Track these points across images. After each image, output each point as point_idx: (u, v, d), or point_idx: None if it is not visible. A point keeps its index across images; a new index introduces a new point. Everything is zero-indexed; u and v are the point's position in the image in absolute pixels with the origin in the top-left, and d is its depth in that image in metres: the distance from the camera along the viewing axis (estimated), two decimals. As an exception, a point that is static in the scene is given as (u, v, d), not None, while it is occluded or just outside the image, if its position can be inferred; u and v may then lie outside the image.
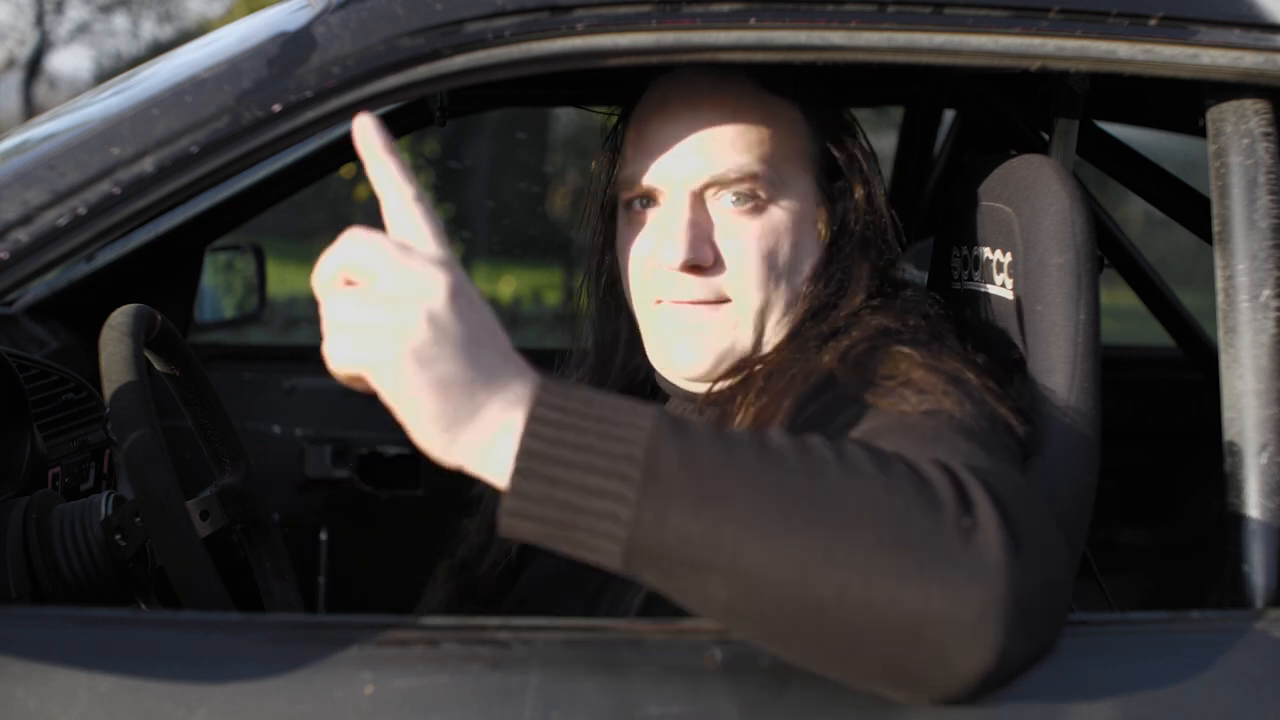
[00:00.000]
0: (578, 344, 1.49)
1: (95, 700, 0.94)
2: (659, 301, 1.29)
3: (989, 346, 1.30)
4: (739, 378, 1.26)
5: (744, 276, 1.25)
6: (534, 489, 0.84)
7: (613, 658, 0.97)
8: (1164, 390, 2.55)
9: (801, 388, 1.17)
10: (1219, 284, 1.19)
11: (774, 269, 1.26)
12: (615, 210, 1.38)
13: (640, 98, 1.34)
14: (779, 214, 1.26)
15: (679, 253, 1.24)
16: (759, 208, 1.26)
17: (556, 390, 0.86)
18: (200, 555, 1.21)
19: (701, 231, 1.25)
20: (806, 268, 1.29)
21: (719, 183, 1.25)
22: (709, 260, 1.25)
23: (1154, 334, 2.41)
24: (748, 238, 1.25)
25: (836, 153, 1.32)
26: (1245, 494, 1.13)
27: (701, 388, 1.30)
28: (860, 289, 1.27)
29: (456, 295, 0.85)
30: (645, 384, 1.47)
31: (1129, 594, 2.53)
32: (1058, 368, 1.21)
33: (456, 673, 0.94)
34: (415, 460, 2.51)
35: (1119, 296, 2.66)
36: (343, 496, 2.50)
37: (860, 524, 0.84)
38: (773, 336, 1.28)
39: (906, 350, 1.15)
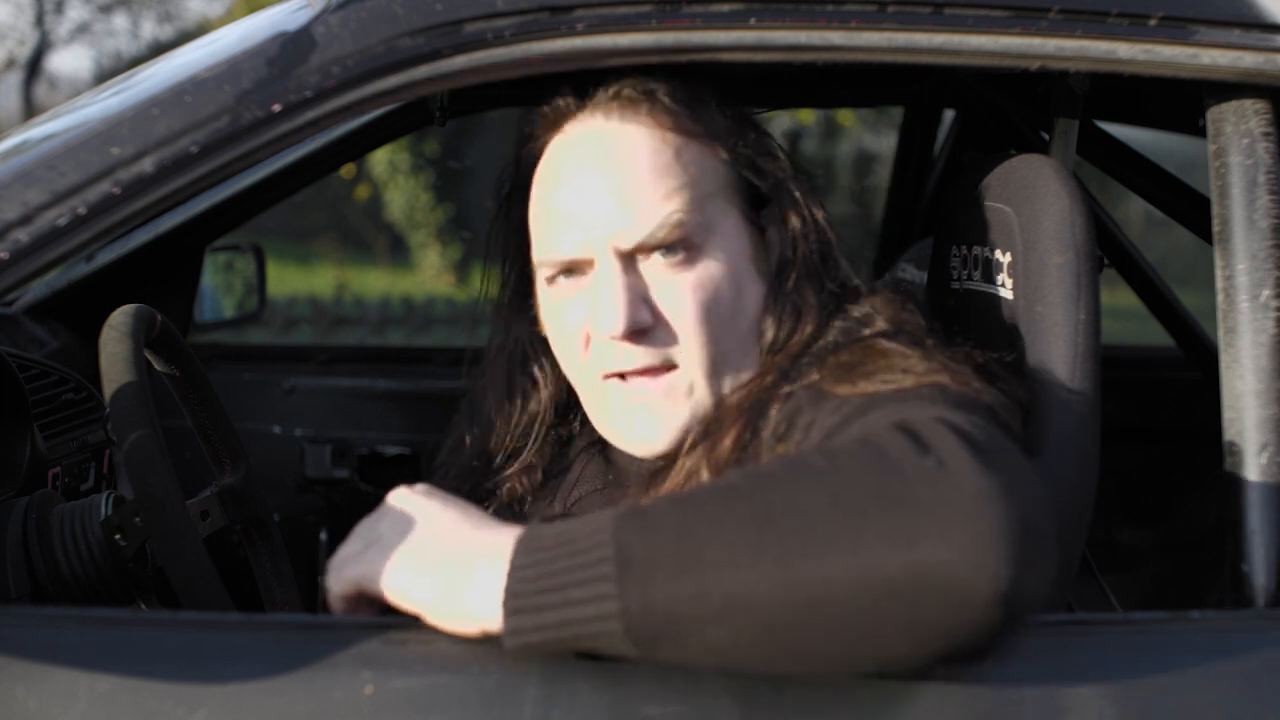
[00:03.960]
0: (468, 425, 1.41)
1: (95, 700, 0.94)
2: (606, 377, 1.21)
3: (989, 346, 1.30)
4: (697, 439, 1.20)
5: (688, 335, 1.18)
6: (525, 622, 0.90)
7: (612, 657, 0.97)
8: (1164, 390, 2.55)
9: (787, 401, 1.13)
10: (1219, 284, 1.19)
11: (717, 319, 1.18)
12: (522, 285, 1.32)
13: (535, 163, 1.26)
14: (715, 258, 1.19)
15: (619, 321, 1.15)
16: (691, 258, 1.18)
17: (526, 537, 0.93)
18: (200, 555, 1.21)
19: (637, 294, 1.17)
20: (752, 309, 1.21)
21: (649, 243, 1.17)
22: (649, 322, 1.17)
23: (1154, 334, 2.41)
24: (685, 291, 1.17)
25: (757, 181, 1.24)
26: (1245, 494, 1.13)
27: (660, 461, 1.23)
28: (811, 318, 1.21)
29: (384, 517, 1.00)
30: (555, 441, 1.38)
31: (1129, 594, 2.53)
32: (1058, 368, 1.21)
33: (456, 673, 0.94)
34: (415, 460, 2.51)
35: (1119, 296, 2.66)
36: (343, 496, 2.50)
37: (823, 514, 0.85)
38: (731, 388, 1.20)
39: (897, 346, 1.13)
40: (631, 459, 1.28)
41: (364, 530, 1.02)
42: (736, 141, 1.24)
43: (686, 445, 1.19)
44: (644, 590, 0.87)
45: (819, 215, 1.25)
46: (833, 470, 0.88)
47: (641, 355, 1.18)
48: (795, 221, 1.24)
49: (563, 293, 1.22)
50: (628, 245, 1.18)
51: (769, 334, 1.21)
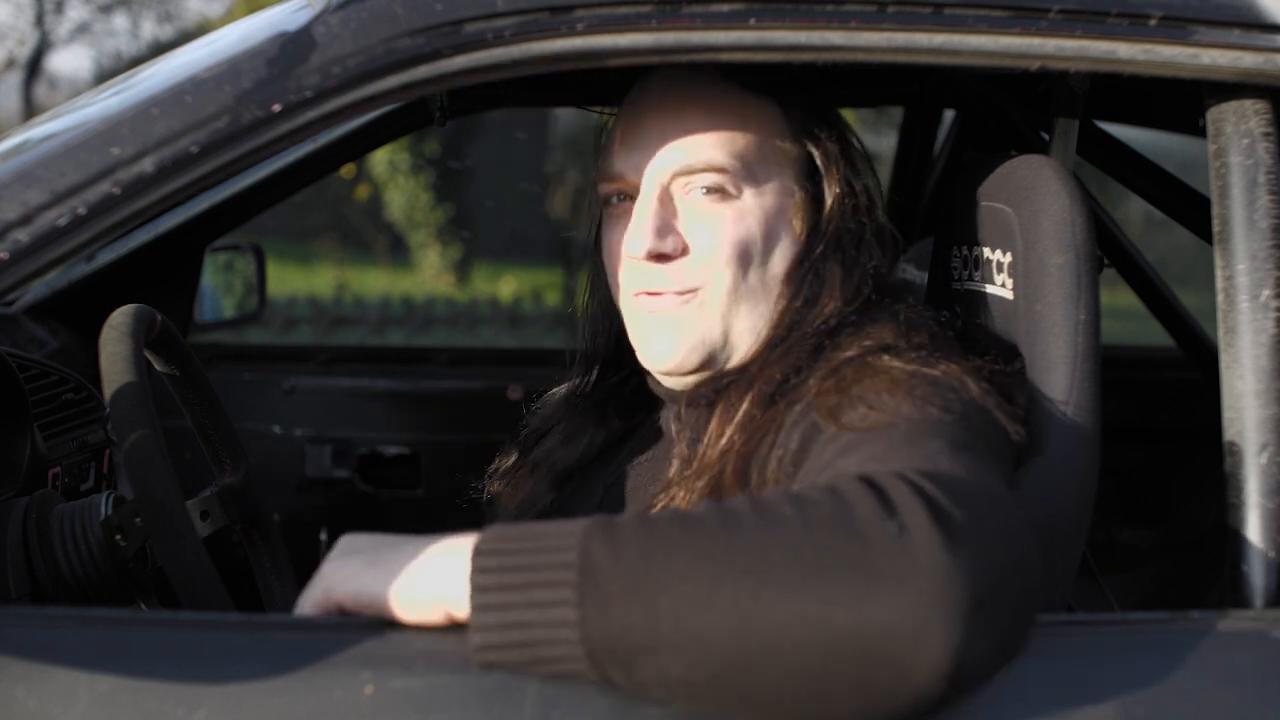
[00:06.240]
0: (575, 349, 1.49)
1: (95, 700, 0.94)
2: (636, 295, 1.29)
3: (989, 347, 1.30)
4: (713, 377, 1.26)
5: (711, 262, 1.24)
6: (491, 619, 0.91)
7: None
8: (1164, 390, 2.55)
9: (785, 415, 1.16)
10: (1219, 284, 1.19)
11: (742, 256, 1.24)
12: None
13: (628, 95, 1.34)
14: (750, 205, 1.25)
15: (644, 241, 1.24)
16: (728, 198, 1.25)
17: (494, 529, 0.94)
18: (200, 555, 1.21)
19: (667, 221, 1.25)
20: (779, 264, 1.27)
21: (686, 172, 1.25)
22: (674, 249, 1.25)
23: (1154, 334, 2.41)
24: (716, 223, 1.25)
25: (816, 153, 1.29)
26: (1245, 494, 1.13)
27: (679, 382, 1.30)
28: (833, 295, 1.25)
29: (331, 556, 1.02)
30: (633, 390, 1.44)
31: (1129, 594, 2.53)
32: (1058, 368, 1.21)
33: (456, 673, 0.94)
34: (415, 460, 2.51)
35: (1119, 296, 2.66)
36: (343, 496, 2.50)
37: (782, 564, 0.86)
38: (745, 330, 1.26)
39: (895, 364, 1.13)
40: (671, 408, 1.33)
41: (316, 575, 1.03)
42: (798, 109, 1.30)
43: (692, 392, 1.24)
44: (602, 604, 0.88)
45: (862, 192, 1.30)
46: (799, 522, 0.88)
47: (665, 277, 1.26)
48: (834, 193, 1.29)
49: (616, 215, 1.32)
50: (666, 175, 1.26)
51: (785, 298, 1.26)
